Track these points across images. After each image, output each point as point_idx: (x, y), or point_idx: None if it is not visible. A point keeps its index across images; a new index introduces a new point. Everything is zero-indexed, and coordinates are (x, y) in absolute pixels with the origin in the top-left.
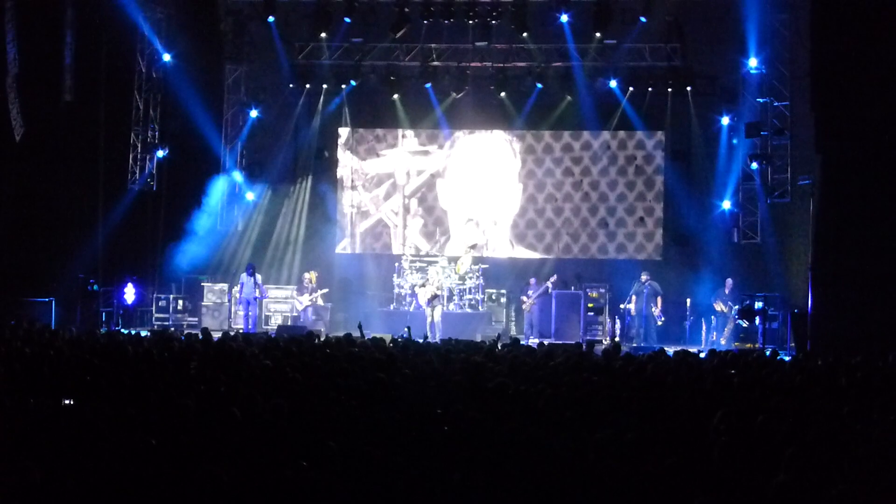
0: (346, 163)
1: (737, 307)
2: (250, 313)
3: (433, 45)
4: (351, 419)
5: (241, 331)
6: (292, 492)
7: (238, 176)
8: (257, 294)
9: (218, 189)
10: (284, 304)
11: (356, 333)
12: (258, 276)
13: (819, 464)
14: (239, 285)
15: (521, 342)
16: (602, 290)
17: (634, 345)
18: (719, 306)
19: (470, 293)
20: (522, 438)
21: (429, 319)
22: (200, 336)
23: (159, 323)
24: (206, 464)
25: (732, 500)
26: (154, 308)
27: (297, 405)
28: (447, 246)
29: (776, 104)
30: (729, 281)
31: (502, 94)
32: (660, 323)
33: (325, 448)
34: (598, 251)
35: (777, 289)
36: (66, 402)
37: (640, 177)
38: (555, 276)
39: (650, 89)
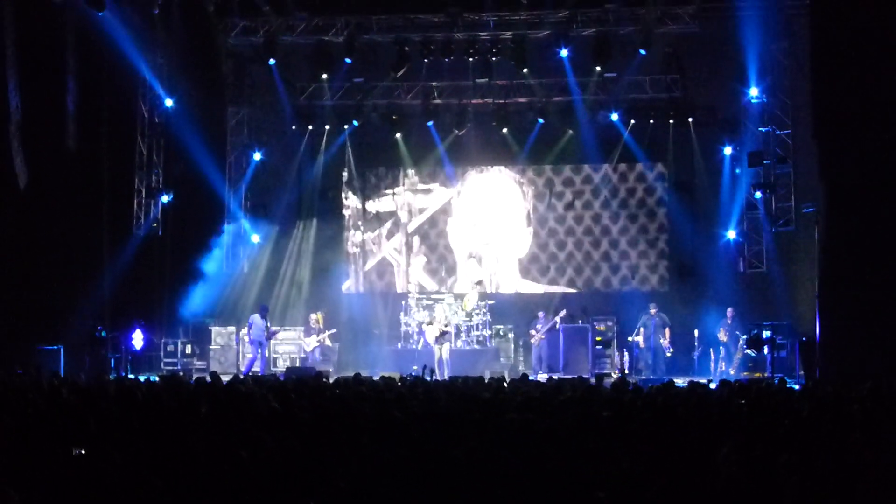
0: (350, 203)
1: (745, 337)
2: (261, 354)
3: (434, 83)
4: (361, 458)
5: (253, 372)
6: None
7: (244, 222)
8: (266, 335)
9: (223, 231)
10: (292, 345)
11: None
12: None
13: (828, 492)
14: (248, 326)
15: (530, 377)
16: (609, 323)
17: (644, 377)
18: (722, 336)
19: (477, 329)
20: (533, 473)
21: (437, 356)
22: (209, 379)
23: (168, 368)
24: None
25: None
26: (162, 353)
27: (307, 446)
28: (452, 283)
29: (778, 133)
30: (730, 310)
31: (504, 129)
32: (668, 354)
33: (335, 488)
34: (603, 284)
35: (784, 317)
36: (77, 451)
37: (642, 209)
38: (564, 311)
39: (651, 121)
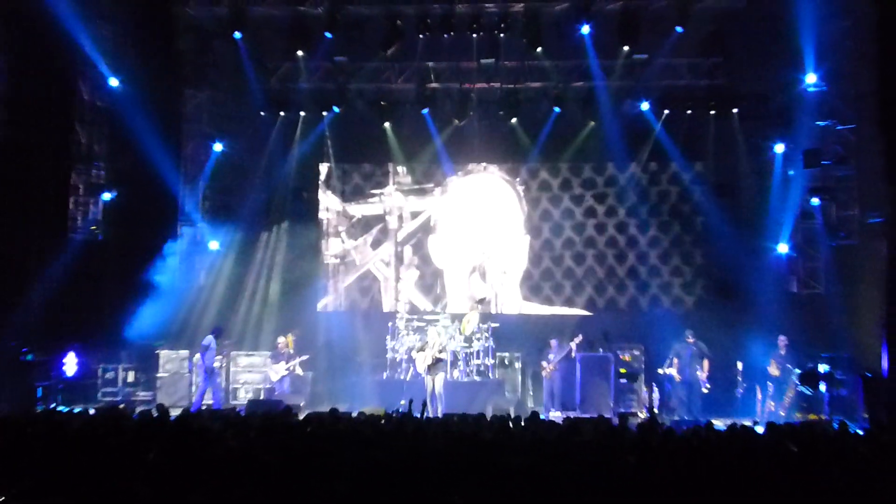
0: (328, 205)
1: (797, 371)
2: (215, 383)
3: (431, 64)
4: None
5: (206, 405)
6: None
7: (202, 226)
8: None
9: (175, 237)
10: (256, 373)
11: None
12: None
13: None
14: (202, 350)
15: (541, 415)
16: (636, 352)
17: (676, 417)
18: (773, 369)
19: (478, 357)
20: None
21: (429, 389)
22: (156, 413)
23: (107, 398)
24: None
25: None
26: (100, 381)
27: (273, 495)
28: (449, 302)
29: (839, 128)
30: (783, 338)
31: (513, 120)
32: (705, 390)
33: None
34: (629, 305)
35: (845, 348)
36: None
37: (676, 217)
38: (580, 336)
39: (689, 112)
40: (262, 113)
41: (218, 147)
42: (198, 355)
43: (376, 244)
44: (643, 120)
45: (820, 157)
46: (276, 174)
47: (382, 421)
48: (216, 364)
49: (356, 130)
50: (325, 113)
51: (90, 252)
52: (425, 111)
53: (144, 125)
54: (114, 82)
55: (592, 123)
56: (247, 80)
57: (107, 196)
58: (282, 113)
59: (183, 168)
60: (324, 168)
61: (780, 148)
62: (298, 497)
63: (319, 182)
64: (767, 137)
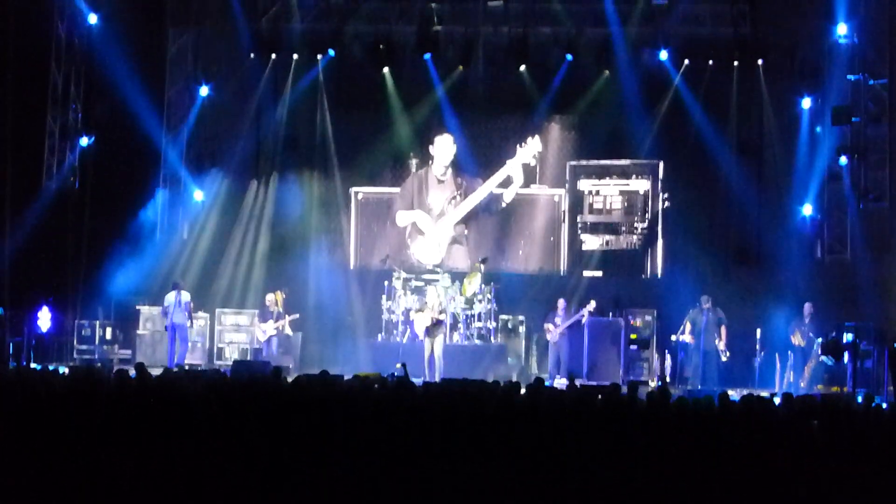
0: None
1: (819, 340)
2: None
3: (433, 5)
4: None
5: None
6: None
7: (186, 175)
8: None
9: (157, 187)
10: (242, 333)
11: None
12: (185, 295)
13: None
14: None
15: (546, 383)
16: (647, 318)
17: (690, 388)
18: (797, 339)
19: (479, 320)
20: None
21: (427, 353)
22: (134, 373)
23: (83, 357)
24: None
25: None
26: (76, 338)
27: (255, 463)
28: (450, 259)
29: (871, 83)
30: (808, 306)
31: (521, 67)
32: (724, 359)
33: None
34: (641, 268)
35: (871, 318)
36: None
37: (695, 175)
38: (593, 303)
39: (710, 63)
40: (251, 55)
41: (204, 91)
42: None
43: (371, 195)
44: (662, 70)
45: (850, 114)
46: (266, 121)
47: (376, 386)
48: (177, 320)
49: (352, 76)
50: (319, 56)
51: (65, 201)
52: (427, 56)
53: (125, 66)
54: (93, 19)
55: (607, 73)
56: (235, 19)
57: (84, 142)
58: (273, 56)
59: (166, 113)
60: (317, 115)
61: (807, 103)
62: (285, 465)
63: (313, 130)
64: (794, 92)
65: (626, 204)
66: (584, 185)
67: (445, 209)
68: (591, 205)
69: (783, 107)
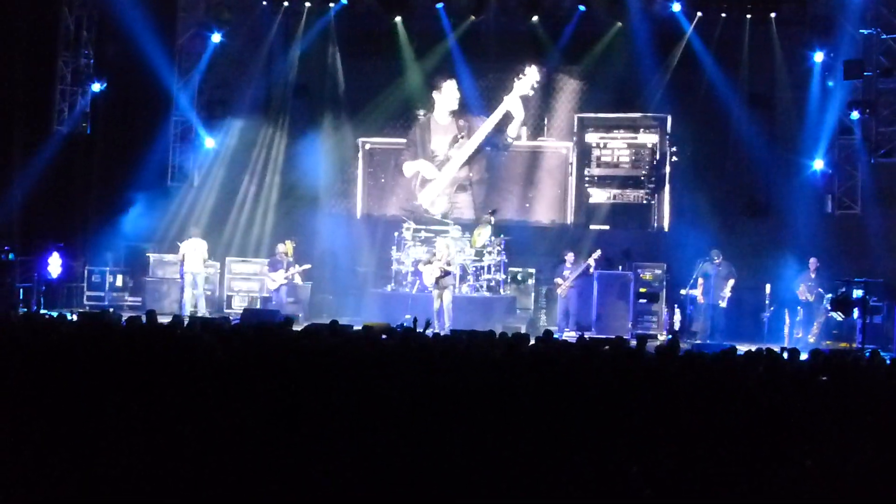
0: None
1: (829, 296)
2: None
3: None
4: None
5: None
6: None
7: (197, 122)
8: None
9: (169, 134)
10: (253, 281)
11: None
12: (202, 243)
13: None
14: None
15: (554, 335)
16: (657, 272)
17: (698, 341)
18: (803, 293)
19: (489, 272)
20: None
21: (436, 305)
22: (144, 321)
23: (92, 303)
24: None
25: None
26: (86, 284)
27: (265, 412)
28: (456, 207)
29: (884, 37)
30: (813, 261)
31: (534, 18)
32: (722, 304)
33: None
34: (649, 222)
35: (881, 273)
36: None
37: (706, 128)
38: (598, 252)
39: (723, 15)
40: (263, 2)
41: (216, 38)
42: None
43: (380, 145)
44: (674, 22)
45: (862, 68)
46: (277, 69)
47: (384, 336)
48: (195, 269)
49: (364, 24)
50: (331, 4)
51: (76, 146)
52: (440, 5)
53: (137, 12)
54: None
55: (619, 24)
56: None
57: (95, 87)
58: (285, 3)
59: (177, 59)
60: (329, 62)
61: (819, 57)
62: (292, 414)
63: (325, 77)
64: (806, 45)
65: (633, 157)
66: (592, 138)
67: (449, 153)
68: (598, 158)
69: (795, 60)
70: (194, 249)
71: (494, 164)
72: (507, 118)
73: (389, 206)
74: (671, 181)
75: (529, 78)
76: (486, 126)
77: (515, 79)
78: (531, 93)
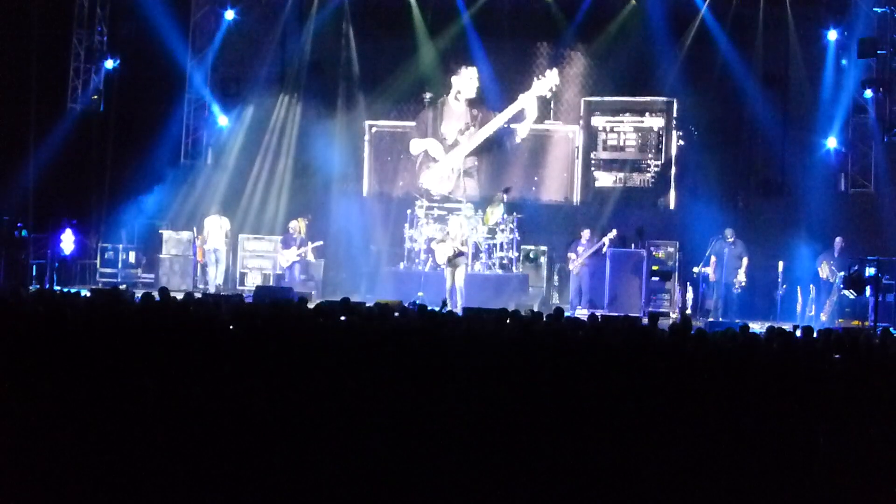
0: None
1: (841, 273)
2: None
3: None
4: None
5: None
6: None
7: (211, 100)
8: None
9: (182, 111)
10: (266, 259)
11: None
12: (225, 221)
13: None
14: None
15: (566, 313)
16: (670, 250)
17: (711, 319)
18: (824, 271)
19: (502, 250)
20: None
21: (448, 283)
22: (158, 297)
23: (105, 280)
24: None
25: None
26: (99, 261)
27: (278, 388)
28: (459, 191)
29: None
30: (839, 240)
31: None
32: (736, 290)
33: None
34: (664, 199)
35: (894, 251)
36: None
37: (720, 107)
38: (614, 231)
39: None
40: None
41: (229, 15)
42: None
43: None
44: (688, 1)
45: (876, 47)
46: (291, 46)
47: (396, 314)
48: (217, 245)
49: (378, 2)
50: None
51: (89, 123)
52: None
53: None
54: None
55: (634, 3)
56: None
57: (109, 64)
58: None
59: (191, 37)
60: (342, 41)
61: (833, 35)
62: (304, 391)
63: (339, 54)
64: (820, 23)
65: (640, 141)
66: (598, 121)
67: (459, 139)
68: (604, 141)
69: (809, 38)
70: (219, 227)
71: (502, 149)
72: (520, 115)
73: (395, 188)
74: (677, 164)
75: (549, 80)
76: (498, 120)
77: (535, 79)
78: (549, 94)
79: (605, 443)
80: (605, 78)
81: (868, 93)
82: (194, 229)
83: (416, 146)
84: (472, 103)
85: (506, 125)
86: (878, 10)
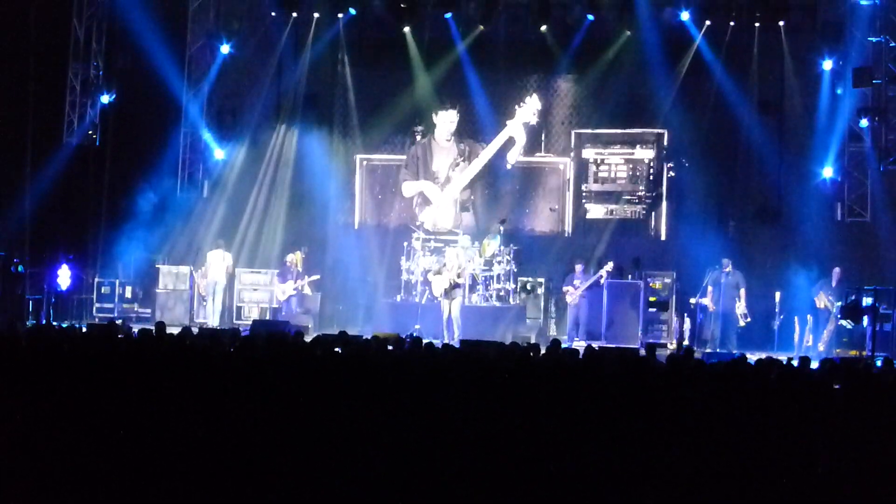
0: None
1: (839, 303)
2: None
3: None
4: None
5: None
6: None
7: (206, 132)
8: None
9: (178, 144)
10: (263, 292)
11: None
12: (227, 256)
13: None
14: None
15: (563, 344)
16: (667, 280)
17: (708, 350)
18: (822, 301)
19: (498, 281)
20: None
21: (445, 315)
22: (154, 332)
23: (102, 315)
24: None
25: None
26: (95, 296)
27: (276, 421)
28: (460, 226)
29: (893, 44)
30: (837, 271)
31: (543, 27)
32: (743, 323)
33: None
34: (660, 229)
35: (891, 280)
36: None
37: (715, 136)
38: (611, 264)
39: (732, 24)
40: (272, 13)
41: (225, 49)
42: (202, 269)
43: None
44: (683, 30)
45: (871, 76)
46: (287, 79)
47: (390, 347)
48: (217, 278)
49: (373, 35)
50: (340, 15)
51: (85, 157)
52: (448, 15)
53: (146, 22)
54: None
55: (628, 33)
56: None
57: (105, 98)
58: (294, 14)
59: (187, 70)
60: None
61: (828, 64)
62: (302, 424)
63: (334, 88)
64: (815, 53)
65: (630, 173)
66: (589, 153)
67: (450, 175)
68: (595, 173)
69: (804, 68)
70: (221, 260)
71: (496, 180)
72: (509, 143)
73: (390, 220)
74: (669, 195)
75: (531, 106)
76: (487, 152)
77: (516, 106)
78: (534, 120)
79: (604, 471)
80: (599, 109)
81: (863, 121)
82: (192, 265)
83: (410, 189)
84: (458, 138)
85: (496, 156)
86: (873, 39)
